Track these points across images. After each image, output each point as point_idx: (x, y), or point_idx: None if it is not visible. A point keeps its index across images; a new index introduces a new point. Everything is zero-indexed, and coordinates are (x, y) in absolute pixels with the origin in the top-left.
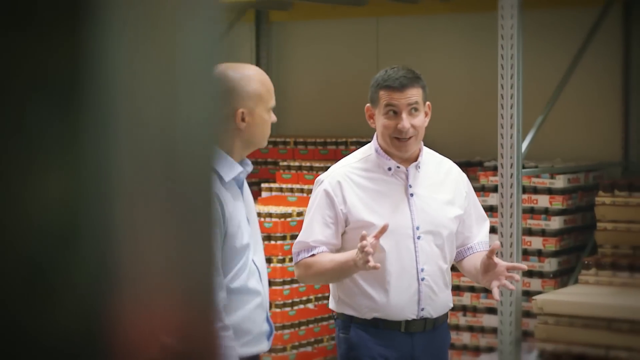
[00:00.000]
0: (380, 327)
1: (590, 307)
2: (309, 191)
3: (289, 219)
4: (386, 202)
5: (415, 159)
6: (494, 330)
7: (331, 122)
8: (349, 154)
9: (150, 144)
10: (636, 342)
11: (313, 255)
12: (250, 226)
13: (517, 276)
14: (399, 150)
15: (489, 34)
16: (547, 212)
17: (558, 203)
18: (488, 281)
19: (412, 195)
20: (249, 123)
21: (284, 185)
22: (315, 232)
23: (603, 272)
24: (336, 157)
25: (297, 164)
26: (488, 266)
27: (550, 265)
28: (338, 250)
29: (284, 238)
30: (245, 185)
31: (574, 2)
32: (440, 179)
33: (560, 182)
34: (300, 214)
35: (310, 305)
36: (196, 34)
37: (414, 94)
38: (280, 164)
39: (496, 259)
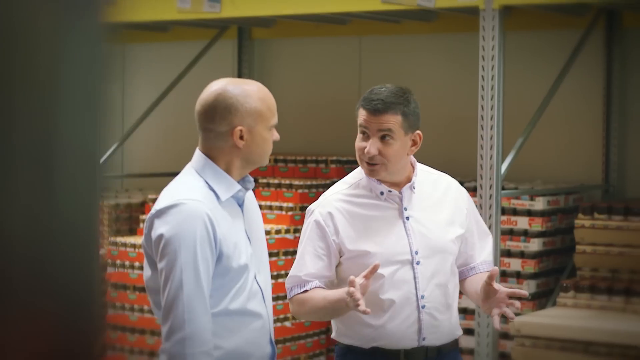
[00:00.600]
0: (378, 355)
1: (568, 330)
2: (288, 209)
3: (267, 237)
4: (381, 228)
5: (408, 180)
6: (470, 352)
7: (312, 140)
8: (329, 172)
9: (28, 156)
10: None
11: (306, 290)
12: (252, 245)
13: (518, 303)
14: (368, 174)
15: (471, 54)
16: (526, 234)
17: (537, 225)
18: (488, 308)
19: (407, 218)
20: (247, 141)
21: (263, 203)
22: (307, 265)
23: (581, 294)
24: (316, 175)
25: (276, 181)
26: (488, 292)
27: (528, 287)
28: (333, 283)
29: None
30: (251, 203)
31: (555, 24)
32: (437, 198)
33: (539, 204)
34: (278, 231)
35: (287, 324)
36: (74, 54)
37: (389, 120)
38: (260, 181)
39: (496, 285)
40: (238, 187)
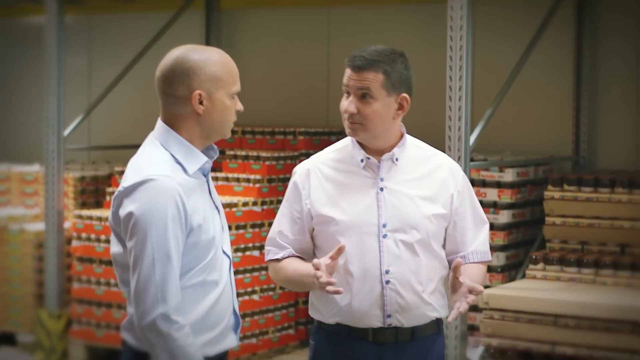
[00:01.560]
0: (346, 334)
1: (537, 302)
2: (256, 181)
3: (234, 209)
4: (352, 196)
5: (389, 150)
6: None
7: (280, 112)
8: (297, 144)
9: None
10: (582, 339)
11: (279, 259)
12: (220, 215)
13: (471, 298)
14: (348, 133)
15: (440, 24)
16: (495, 206)
17: (507, 197)
18: (453, 302)
19: (382, 189)
20: (207, 107)
21: (230, 175)
22: (283, 227)
23: (551, 267)
24: (284, 147)
25: (244, 153)
26: (454, 285)
27: (498, 259)
28: (310, 251)
29: (229, 228)
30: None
31: None
32: (422, 174)
33: (509, 175)
34: (245, 204)
35: (255, 297)
36: None
37: (369, 78)
38: (227, 153)
39: (461, 278)
40: (205, 158)
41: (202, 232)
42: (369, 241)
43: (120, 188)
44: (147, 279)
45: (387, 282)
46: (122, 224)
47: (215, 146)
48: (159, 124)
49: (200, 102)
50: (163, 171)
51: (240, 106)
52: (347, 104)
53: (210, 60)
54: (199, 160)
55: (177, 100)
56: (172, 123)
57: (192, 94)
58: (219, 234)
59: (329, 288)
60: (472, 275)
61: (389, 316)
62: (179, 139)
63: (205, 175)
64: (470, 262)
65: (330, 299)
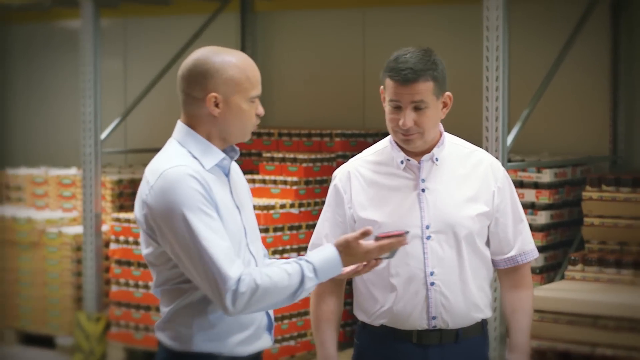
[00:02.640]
0: (391, 336)
1: (576, 303)
2: (293, 183)
3: (271, 211)
4: (394, 198)
5: (429, 150)
6: None
7: (316, 114)
8: (334, 146)
9: None
10: (622, 340)
11: None
12: (243, 215)
13: None
14: (404, 144)
15: (475, 25)
16: (533, 207)
17: (545, 197)
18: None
19: (423, 190)
20: (223, 110)
21: (267, 177)
22: (327, 232)
23: (590, 268)
24: (321, 149)
25: (280, 155)
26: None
27: (536, 260)
28: None
29: (266, 231)
30: (237, 174)
31: None
32: (464, 173)
33: (547, 176)
34: (283, 206)
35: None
36: None
37: (421, 90)
38: (264, 155)
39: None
40: (222, 155)
41: (224, 221)
42: (412, 243)
43: (145, 191)
44: (204, 267)
45: (432, 284)
46: (154, 223)
47: (236, 147)
48: (179, 124)
49: (217, 105)
50: (178, 162)
51: (261, 110)
52: (403, 119)
53: (229, 63)
54: (216, 156)
55: (194, 101)
56: (191, 123)
57: (207, 96)
58: (238, 232)
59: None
60: (522, 326)
61: (434, 318)
62: (196, 136)
63: (227, 175)
64: (520, 264)
65: (375, 300)
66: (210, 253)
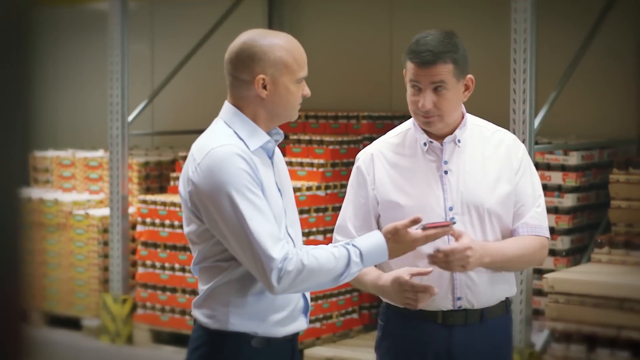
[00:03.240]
0: (415, 316)
1: (602, 286)
2: (319, 165)
3: (298, 194)
4: (417, 180)
5: (451, 132)
6: None
7: (343, 96)
8: (360, 128)
9: None
10: None
11: None
12: (284, 198)
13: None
14: (424, 126)
15: (503, 8)
16: (560, 189)
17: (571, 180)
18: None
19: (446, 172)
20: (271, 92)
21: (293, 160)
22: (352, 214)
23: (616, 250)
24: (347, 131)
25: (307, 137)
26: None
27: (562, 243)
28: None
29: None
30: (278, 157)
31: None
32: (487, 154)
33: (573, 158)
34: (309, 188)
35: None
36: None
37: (441, 71)
38: (291, 137)
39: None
40: (267, 137)
41: (268, 201)
42: None
43: (192, 168)
44: (250, 246)
45: None
46: (199, 201)
47: (281, 130)
48: (226, 104)
49: (264, 87)
50: (225, 141)
51: (307, 91)
52: (422, 100)
53: (276, 45)
54: (261, 138)
55: (241, 84)
56: (238, 105)
57: (255, 78)
58: (279, 215)
59: (419, 305)
60: (495, 245)
61: (459, 298)
62: (243, 117)
63: (271, 158)
64: (519, 235)
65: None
66: (256, 233)
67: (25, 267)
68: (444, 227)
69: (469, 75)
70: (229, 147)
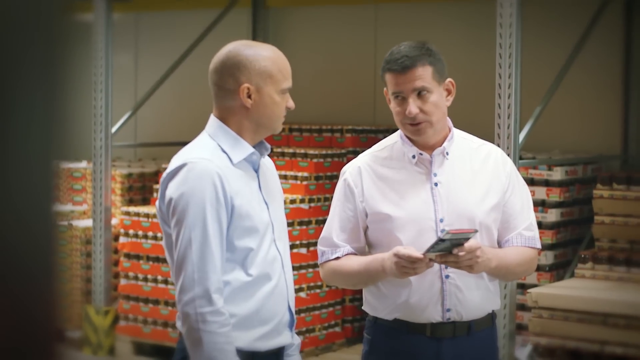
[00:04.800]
0: (404, 330)
1: (586, 301)
2: (303, 178)
3: None
4: (407, 192)
5: (439, 144)
6: None
7: (327, 109)
8: (344, 141)
9: None
10: (632, 338)
11: (338, 258)
12: (271, 211)
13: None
14: (414, 135)
15: (488, 22)
16: (544, 205)
17: (555, 195)
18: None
19: (436, 184)
20: (255, 101)
21: (277, 172)
22: (337, 227)
23: (600, 266)
24: (332, 145)
25: (291, 150)
26: None
27: (546, 258)
28: (365, 250)
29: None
30: (269, 170)
31: None
32: (475, 166)
33: (557, 174)
34: (293, 201)
35: (302, 294)
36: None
37: (420, 74)
38: (275, 150)
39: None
40: (251, 150)
41: (243, 216)
42: (426, 236)
43: (164, 174)
44: (184, 259)
45: (447, 276)
46: (165, 207)
47: (267, 144)
48: (211, 118)
49: (249, 96)
50: (202, 155)
51: (291, 103)
52: (409, 107)
53: (261, 55)
54: (244, 150)
55: (226, 94)
56: (223, 117)
57: (240, 87)
58: (264, 227)
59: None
60: (499, 251)
61: (448, 310)
62: (227, 130)
63: (256, 170)
64: (513, 246)
65: (387, 295)
66: (202, 251)
67: (60, 285)
68: (467, 233)
69: (449, 79)
70: (204, 162)
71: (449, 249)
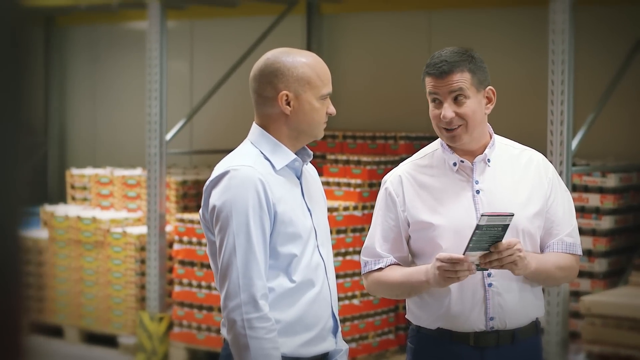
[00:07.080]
0: (447, 339)
1: (639, 309)
2: (356, 185)
3: (335, 213)
4: (449, 200)
5: (483, 150)
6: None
7: (381, 116)
8: (398, 148)
9: None
10: None
11: (381, 268)
12: (314, 218)
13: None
14: (450, 142)
15: (541, 28)
16: (598, 212)
17: (609, 202)
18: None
19: (478, 192)
20: (294, 108)
21: (331, 179)
22: (380, 237)
23: None
24: (385, 152)
25: (344, 158)
26: None
27: (600, 265)
28: (408, 259)
29: (330, 232)
30: (312, 176)
31: None
32: (517, 173)
33: (611, 180)
34: (346, 208)
35: (355, 301)
36: None
37: (458, 79)
38: (328, 157)
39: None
40: (293, 156)
41: (286, 223)
42: None
43: (207, 182)
44: (229, 266)
45: (490, 285)
46: (208, 215)
47: (310, 150)
48: (253, 125)
49: (288, 103)
50: (245, 162)
51: (332, 109)
52: (443, 111)
53: (299, 62)
54: (286, 157)
55: (265, 101)
56: (264, 124)
57: (278, 94)
58: (307, 233)
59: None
60: (539, 255)
61: (491, 319)
62: (268, 137)
63: (299, 177)
64: (553, 252)
65: (430, 304)
66: (247, 257)
67: (24, 278)
68: (504, 217)
69: (490, 87)
70: (246, 169)
71: (488, 243)
